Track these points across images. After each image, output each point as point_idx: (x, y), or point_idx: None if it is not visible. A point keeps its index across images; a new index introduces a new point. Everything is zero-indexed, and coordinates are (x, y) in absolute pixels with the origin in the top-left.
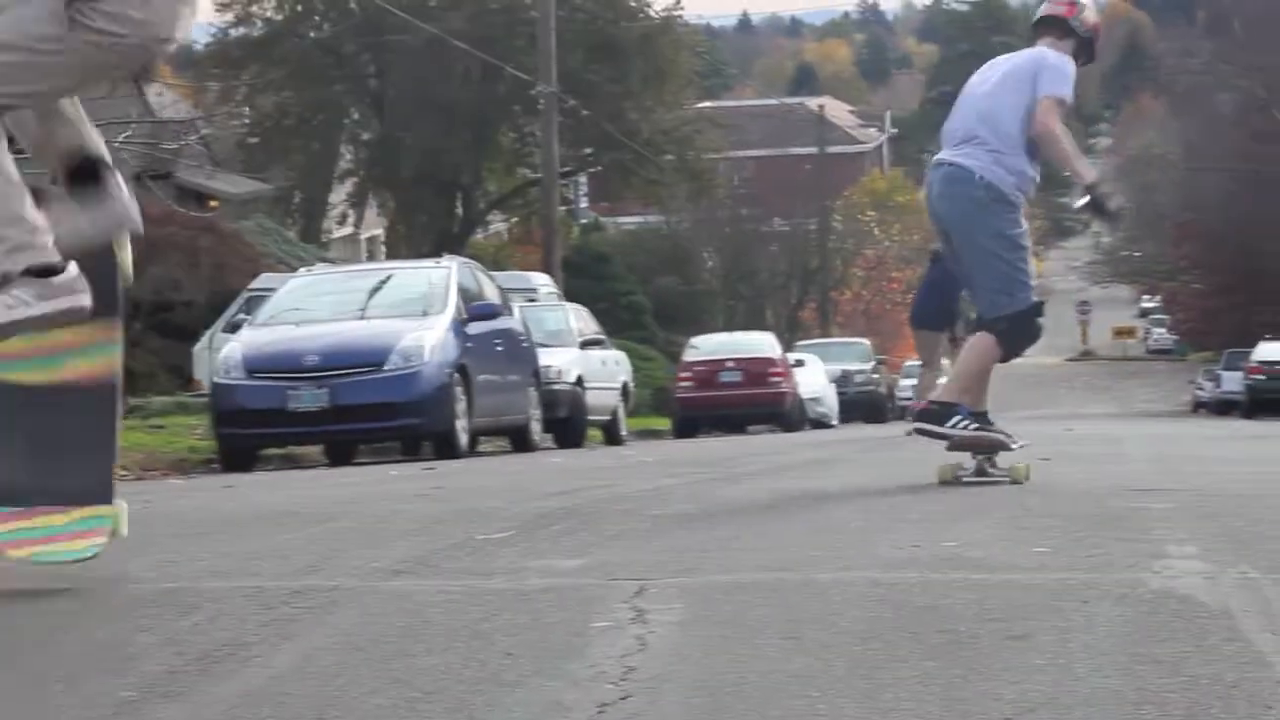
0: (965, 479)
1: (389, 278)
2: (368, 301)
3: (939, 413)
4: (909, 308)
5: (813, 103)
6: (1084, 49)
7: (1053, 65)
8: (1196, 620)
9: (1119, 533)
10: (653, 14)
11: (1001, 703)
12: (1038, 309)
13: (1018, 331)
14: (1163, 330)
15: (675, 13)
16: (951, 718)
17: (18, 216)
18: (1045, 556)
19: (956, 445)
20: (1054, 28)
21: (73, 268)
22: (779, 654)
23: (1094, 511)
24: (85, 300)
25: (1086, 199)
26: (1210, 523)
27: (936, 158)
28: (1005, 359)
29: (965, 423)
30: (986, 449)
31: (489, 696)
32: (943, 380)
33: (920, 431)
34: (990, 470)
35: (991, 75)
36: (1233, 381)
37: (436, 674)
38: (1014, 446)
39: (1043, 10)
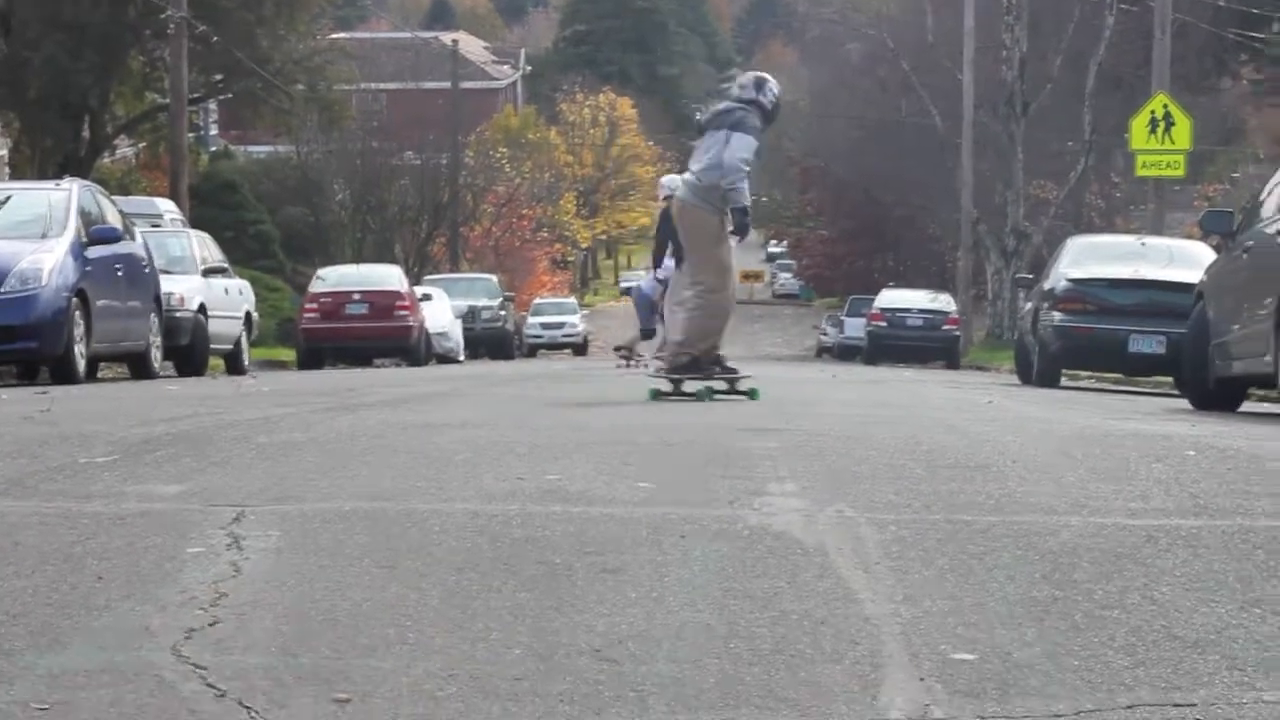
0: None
1: (7, 199)
2: None
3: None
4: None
5: (447, 37)
6: None
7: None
8: (790, 556)
9: (724, 470)
10: None
11: (592, 634)
12: None
13: None
14: (789, 275)
15: None
16: (541, 648)
17: None
18: (648, 492)
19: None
20: None
21: None
22: (373, 582)
23: (702, 450)
24: None
25: None
26: (813, 462)
27: None
28: None
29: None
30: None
31: (75, 620)
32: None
33: None
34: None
35: None
36: (855, 327)
37: (24, 597)
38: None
39: None
